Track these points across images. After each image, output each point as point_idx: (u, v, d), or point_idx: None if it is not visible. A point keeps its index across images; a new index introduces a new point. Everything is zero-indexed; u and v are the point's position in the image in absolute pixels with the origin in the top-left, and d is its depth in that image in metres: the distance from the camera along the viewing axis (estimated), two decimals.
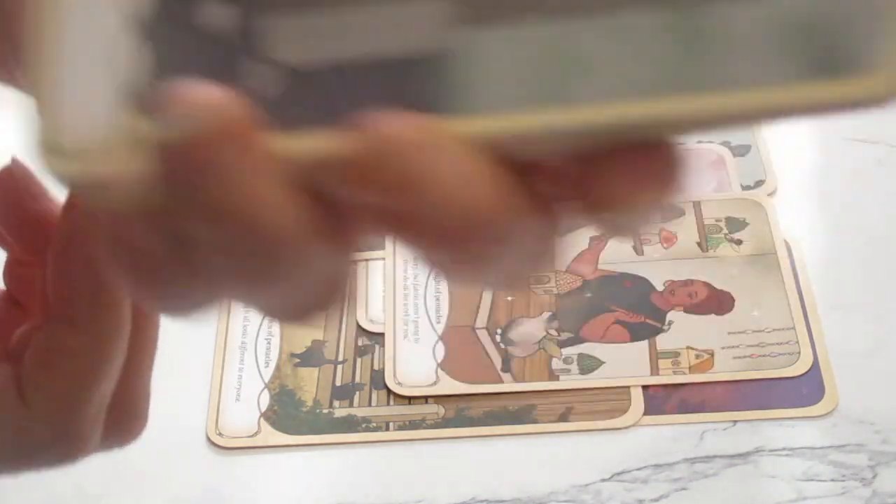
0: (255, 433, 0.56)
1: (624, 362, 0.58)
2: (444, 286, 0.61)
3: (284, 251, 0.21)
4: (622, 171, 0.21)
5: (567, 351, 0.58)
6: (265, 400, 0.58)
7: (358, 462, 0.55)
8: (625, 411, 0.56)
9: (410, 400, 0.57)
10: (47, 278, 0.30)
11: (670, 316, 0.59)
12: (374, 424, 0.56)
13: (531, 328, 0.59)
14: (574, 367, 0.58)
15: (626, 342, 0.59)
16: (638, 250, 0.62)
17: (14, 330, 0.32)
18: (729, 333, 0.59)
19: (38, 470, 0.32)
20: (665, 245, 0.62)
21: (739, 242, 0.62)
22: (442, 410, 0.57)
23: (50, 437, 0.31)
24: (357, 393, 0.58)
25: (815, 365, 0.57)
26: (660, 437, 0.55)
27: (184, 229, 0.21)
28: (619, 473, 0.54)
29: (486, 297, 0.61)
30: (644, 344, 0.58)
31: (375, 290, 0.62)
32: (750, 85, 0.20)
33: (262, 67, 0.21)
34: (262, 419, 0.57)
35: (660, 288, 0.61)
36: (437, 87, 0.21)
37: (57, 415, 0.31)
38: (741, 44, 0.20)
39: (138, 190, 0.21)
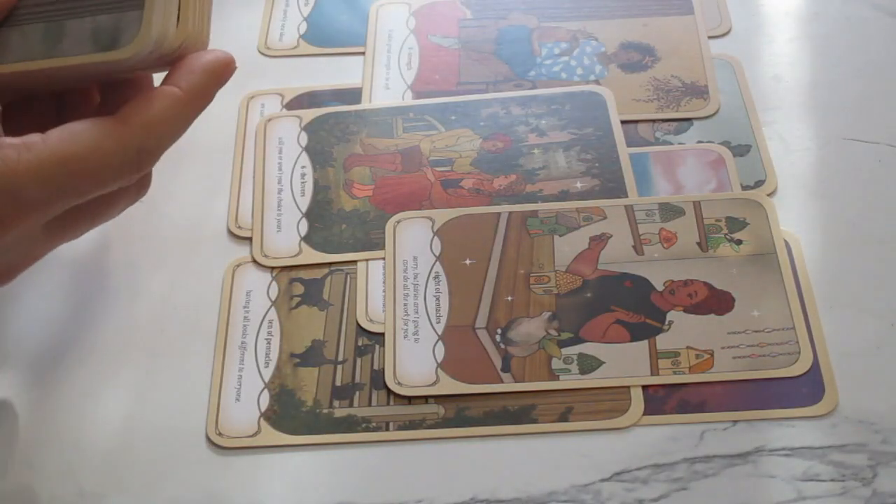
0: (255, 433, 0.56)
1: (624, 362, 0.58)
2: (444, 286, 0.61)
3: None
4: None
5: (567, 351, 0.58)
6: (265, 400, 0.58)
7: (358, 462, 0.55)
8: (625, 411, 0.56)
9: (410, 400, 0.57)
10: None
11: (670, 316, 0.59)
12: (374, 424, 0.56)
13: (531, 328, 0.59)
14: (574, 367, 0.58)
15: (626, 342, 0.59)
16: (638, 250, 0.62)
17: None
18: (729, 333, 0.59)
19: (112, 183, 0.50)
20: (665, 245, 0.63)
21: (739, 242, 0.62)
22: (442, 410, 0.57)
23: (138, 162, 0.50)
24: (357, 393, 0.58)
25: (815, 365, 0.57)
26: (660, 437, 0.55)
27: None
28: (618, 473, 0.54)
29: (486, 297, 0.61)
30: (644, 344, 0.58)
31: (375, 290, 0.62)
32: (73, 55, 0.49)
33: None
34: (262, 419, 0.57)
35: (660, 288, 0.61)
36: None
37: (156, 150, 0.50)
38: (78, 36, 0.48)
39: None
